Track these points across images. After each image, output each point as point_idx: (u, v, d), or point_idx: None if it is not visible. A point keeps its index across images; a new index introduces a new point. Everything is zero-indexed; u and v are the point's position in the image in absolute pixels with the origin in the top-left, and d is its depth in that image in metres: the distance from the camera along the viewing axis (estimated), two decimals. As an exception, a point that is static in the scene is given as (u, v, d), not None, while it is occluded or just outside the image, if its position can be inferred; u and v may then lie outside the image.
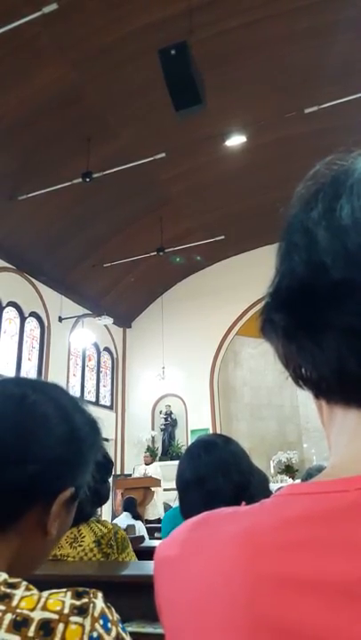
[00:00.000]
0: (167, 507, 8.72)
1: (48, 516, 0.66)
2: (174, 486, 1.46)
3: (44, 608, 0.50)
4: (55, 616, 0.49)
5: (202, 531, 0.37)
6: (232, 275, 13.28)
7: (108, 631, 0.51)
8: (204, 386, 13.03)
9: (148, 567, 1.48)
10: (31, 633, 0.48)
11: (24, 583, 0.54)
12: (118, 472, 12.42)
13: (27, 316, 11.32)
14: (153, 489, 8.86)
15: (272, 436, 13.06)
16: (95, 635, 0.49)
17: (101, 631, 0.50)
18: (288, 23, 7.30)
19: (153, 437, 13.20)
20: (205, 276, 13.93)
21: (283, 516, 0.33)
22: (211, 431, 11.90)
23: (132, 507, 6.22)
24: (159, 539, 4.77)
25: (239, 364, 13.76)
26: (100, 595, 0.54)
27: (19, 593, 0.52)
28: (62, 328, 12.05)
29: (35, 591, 0.53)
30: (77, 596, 0.52)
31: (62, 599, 0.51)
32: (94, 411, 0.77)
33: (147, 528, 6.16)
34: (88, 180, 8.75)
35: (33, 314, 11.50)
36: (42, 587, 0.56)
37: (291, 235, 0.39)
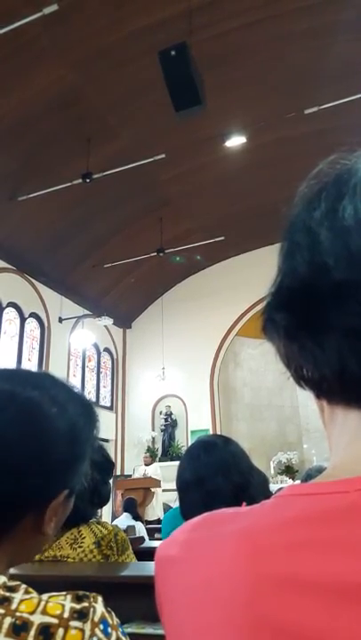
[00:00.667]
0: (167, 507, 8.71)
1: (43, 517, 0.65)
2: (174, 487, 1.46)
3: (44, 612, 0.50)
4: (55, 620, 0.49)
5: (203, 531, 0.37)
6: (232, 275, 13.28)
7: (108, 636, 0.50)
8: (204, 386, 13.02)
9: (147, 568, 1.47)
10: (31, 638, 0.48)
11: (23, 586, 0.54)
12: (118, 473, 12.42)
13: (27, 316, 11.33)
14: (153, 489, 8.86)
15: (272, 437, 13.06)
16: (95, 639, 0.49)
17: (101, 636, 0.50)
18: (288, 24, 7.31)
19: (153, 438, 13.20)
20: (205, 276, 13.93)
21: (283, 516, 0.33)
22: (211, 432, 11.90)
23: (133, 507, 6.22)
24: (159, 539, 4.77)
25: (239, 364, 13.76)
26: (100, 599, 0.53)
27: (18, 596, 0.52)
28: (62, 329, 12.05)
29: (34, 594, 0.53)
30: (77, 599, 0.52)
31: (62, 602, 0.51)
32: (96, 412, 0.76)
33: (147, 529, 6.16)
34: (88, 180, 8.76)
35: (33, 314, 11.50)
36: (42, 587, 0.56)
37: (293, 234, 0.39)
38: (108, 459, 1.87)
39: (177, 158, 9.46)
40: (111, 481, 1.99)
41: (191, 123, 7.59)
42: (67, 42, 7.18)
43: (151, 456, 11.14)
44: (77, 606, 0.51)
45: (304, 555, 0.30)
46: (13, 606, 0.50)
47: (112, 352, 14.27)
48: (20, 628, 0.48)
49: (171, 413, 13.23)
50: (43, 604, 0.51)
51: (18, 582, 0.54)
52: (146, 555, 2.01)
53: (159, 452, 12.90)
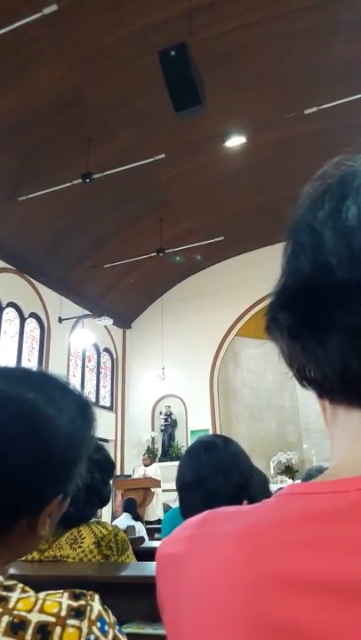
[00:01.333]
0: (167, 507, 8.71)
1: (38, 520, 0.65)
2: (174, 487, 1.46)
3: (41, 610, 0.50)
4: (52, 619, 0.49)
5: (203, 529, 0.37)
6: (232, 275, 13.29)
7: (105, 634, 0.50)
8: (204, 386, 13.02)
9: (147, 568, 1.47)
10: (28, 636, 0.48)
11: (20, 585, 0.54)
12: (118, 473, 12.41)
13: (26, 316, 11.33)
14: (153, 490, 8.86)
15: (272, 437, 13.06)
16: (92, 637, 0.49)
17: (98, 634, 0.50)
18: (288, 24, 7.31)
19: (153, 438, 13.20)
20: (205, 276, 13.93)
21: (284, 515, 0.33)
22: (211, 432, 11.90)
23: (133, 507, 6.22)
24: (159, 540, 4.77)
25: (239, 364, 13.76)
26: (96, 597, 0.53)
27: (15, 595, 0.52)
28: (62, 329, 12.06)
29: (31, 593, 0.53)
30: (74, 597, 0.52)
31: (59, 600, 0.51)
32: (94, 410, 0.74)
33: (147, 529, 6.16)
34: (88, 180, 8.76)
35: (33, 314, 11.51)
36: (41, 587, 0.56)
37: (297, 234, 0.39)
38: (108, 459, 1.87)
39: (177, 158, 9.46)
40: (111, 481, 1.99)
41: (191, 123, 7.59)
42: (67, 42, 7.18)
43: (150, 457, 11.13)
44: (74, 604, 0.51)
45: (304, 553, 0.30)
46: (11, 605, 0.50)
47: (112, 352, 14.27)
48: (17, 626, 0.48)
49: (171, 413, 13.22)
50: (40, 602, 0.51)
51: (14, 581, 0.54)
52: (146, 555, 2.01)
53: (159, 453, 12.89)
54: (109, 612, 0.54)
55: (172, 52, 5.53)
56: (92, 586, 0.62)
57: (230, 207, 11.38)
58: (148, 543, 3.82)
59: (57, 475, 0.65)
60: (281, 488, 0.38)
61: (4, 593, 0.52)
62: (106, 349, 14.07)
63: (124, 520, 5.83)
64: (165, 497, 9.54)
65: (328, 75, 7.92)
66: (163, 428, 13.22)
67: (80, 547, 1.66)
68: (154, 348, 13.44)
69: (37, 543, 0.69)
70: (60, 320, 11.98)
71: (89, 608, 0.51)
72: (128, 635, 0.57)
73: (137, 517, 6.18)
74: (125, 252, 11.69)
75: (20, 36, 6.70)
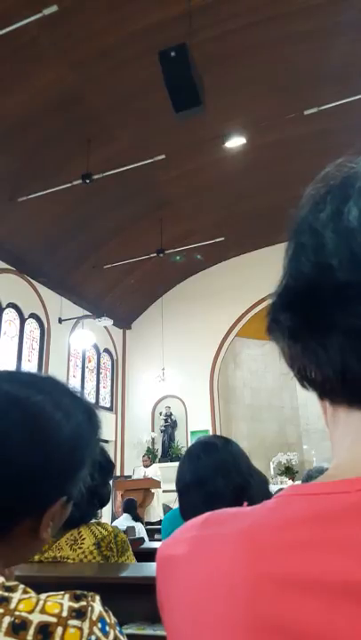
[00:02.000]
0: (167, 508, 8.71)
1: (40, 522, 0.65)
2: (174, 488, 1.46)
3: (43, 611, 0.50)
4: (53, 619, 0.49)
5: (204, 530, 0.37)
6: (232, 276, 13.29)
7: (106, 634, 0.51)
8: (204, 387, 13.03)
9: (147, 569, 1.47)
10: (30, 637, 0.48)
11: (21, 586, 0.54)
12: (118, 473, 12.42)
13: (26, 317, 11.33)
14: (153, 490, 8.86)
15: (272, 438, 13.06)
16: (93, 638, 0.49)
17: (99, 634, 0.50)
18: (288, 25, 7.31)
19: (153, 439, 13.20)
20: (205, 277, 13.93)
21: (284, 516, 0.33)
22: (211, 432, 11.90)
23: (133, 508, 6.22)
24: (159, 540, 4.77)
25: (239, 365, 13.76)
26: (97, 598, 0.54)
27: (16, 596, 0.52)
28: (62, 329, 12.06)
29: (32, 594, 0.53)
30: (75, 598, 0.52)
31: (60, 601, 0.51)
32: (99, 416, 0.75)
33: (146, 530, 6.16)
34: (88, 181, 8.76)
35: (33, 315, 11.51)
36: (41, 588, 0.56)
37: (299, 235, 0.39)
38: (108, 460, 1.87)
39: (177, 159, 9.47)
40: (111, 482, 1.99)
41: (191, 124, 7.59)
42: (66, 43, 7.19)
43: (150, 457, 11.13)
44: (75, 605, 0.51)
45: (304, 554, 0.30)
46: (12, 606, 0.51)
47: (112, 353, 14.28)
48: (18, 626, 0.49)
49: (171, 414, 13.23)
50: (41, 603, 0.51)
51: (16, 582, 0.55)
52: (146, 556, 2.01)
53: (159, 453, 12.89)
54: (110, 613, 0.54)
55: (172, 53, 5.53)
56: (92, 587, 0.62)
57: (230, 208, 11.39)
58: (148, 544, 3.83)
59: (61, 477, 0.66)
60: (281, 489, 0.38)
61: (6, 594, 0.52)
62: (106, 350, 14.07)
63: (124, 521, 5.83)
64: (165, 498, 9.54)
65: (328, 75, 7.92)
66: (163, 428, 13.22)
67: (80, 548, 1.66)
68: (154, 348, 13.45)
69: (40, 546, 0.70)
70: (60, 321, 11.98)
71: (90, 609, 0.51)
72: (128, 635, 0.57)
73: (137, 518, 6.18)
74: (125, 253, 11.70)
75: (20, 36, 6.70)
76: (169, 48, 5.55)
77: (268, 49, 7.65)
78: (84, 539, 1.67)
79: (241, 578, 0.31)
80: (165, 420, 13.24)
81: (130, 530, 5.29)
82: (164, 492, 9.37)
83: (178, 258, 12.20)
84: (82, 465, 0.69)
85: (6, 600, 0.51)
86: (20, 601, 0.51)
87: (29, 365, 11.18)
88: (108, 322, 12.08)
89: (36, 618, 0.49)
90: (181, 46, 5.54)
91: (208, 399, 12.91)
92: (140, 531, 5.70)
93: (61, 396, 0.69)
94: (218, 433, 11.68)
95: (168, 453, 12.73)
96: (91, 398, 12.89)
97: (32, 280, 11.30)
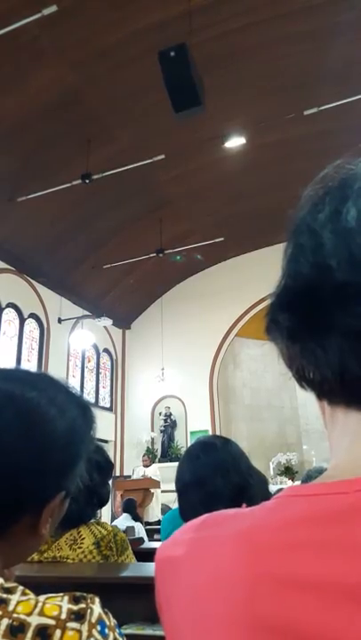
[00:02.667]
0: (166, 508, 8.72)
1: (40, 519, 0.65)
2: (174, 488, 1.46)
3: (41, 613, 0.50)
4: (52, 621, 0.49)
5: (203, 532, 0.37)
6: (231, 276, 13.29)
7: (105, 637, 0.50)
8: (204, 387, 13.03)
9: (147, 569, 1.47)
10: (28, 639, 0.48)
11: (20, 588, 0.54)
12: (117, 473, 12.41)
13: (26, 317, 11.33)
14: (152, 490, 8.85)
15: (272, 438, 13.06)
16: None
17: (99, 637, 0.50)
18: (288, 25, 7.31)
19: (152, 439, 13.19)
20: (205, 277, 13.93)
21: (283, 516, 0.33)
22: (210, 432, 11.89)
23: (132, 508, 6.22)
24: (159, 540, 4.77)
25: (239, 365, 13.76)
26: (97, 600, 0.53)
27: (15, 597, 0.52)
28: (62, 329, 12.06)
29: (31, 595, 0.53)
30: (75, 600, 0.52)
31: (59, 604, 0.51)
32: (94, 412, 0.76)
33: (146, 530, 6.16)
34: (88, 181, 8.76)
35: (32, 315, 11.50)
36: (41, 588, 0.56)
37: (297, 236, 0.39)
38: (107, 460, 1.87)
39: (176, 159, 9.47)
40: (110, 482, 1.99)
41: (191, 124, 7.59)
42: (66, 43, 7.18)
43: (150, 457, 11.13)
44: (74, 607, 0.51)
45: (303, 555, 0.30)
46: (10, 607, 0.50)
47: (111, 353, 14.27)
48: (17, 629, 0.48)
49: (170, 414, 13.23)
50: (40, 605, 0.51)
51: (15, 584, 0.54)
52: (145, 555, 2.01)
53: (159, 453, 12.89)
54: (110, 615, 0.53)
55: (172, 53, 5.53)
56: (91, 586, 0.62)
57: (230, 208, 11.39)
58: (147, 544, 3.83)
59: (58, 471, 0.66)
60: (281, 489, 0.39)
61: (4, 595, 0.52)
62: (105, 350, 14.07)
63: (124, 521, 5.83)
64: (165, 498, 9.54)
65: (328, 75, 7.92)
66: (162, 428, 13.22)
67: (80, 547, 1.66)
68: (153, 348, 13.44)
69: (39, 543, 0.70)
70: (60, 321, 11.97)
71: (89, 611, 0.51)
72: (128, 636, 0.57)
73: (136, 518, 6.18)
74: (125, 253, 11.69)
75: (20, 36, 6.70)
76: (169, 48, 5.55)
77: (269, 49, 7.65)
78: (83, 538, 1.67)
79: (240, 578, 0.32)
80: (165, 420, 13.24)
81: (129, 530, 5.29)
82: (163, 492, 9.37)
83: (177, 258, 12.20)
84: (78, 459, 0.70)
85: (5, 602, 0.51)
86: (18, 603, 0.51)
87: (29, 365, 11.17)
88: (107, 322, 12.08)
89: (35, 620, 0.49)
90: (181, 46, 5.54)
91: (208, 399, 12.91)
92: (140, 530, 5.70)
93: (56, 393, 0.69)
94: (217, 433, 11.68)
95: (168, 453, 12.73)
96: (90, 398, 12.90)
97: (32, 280, 11.30)
